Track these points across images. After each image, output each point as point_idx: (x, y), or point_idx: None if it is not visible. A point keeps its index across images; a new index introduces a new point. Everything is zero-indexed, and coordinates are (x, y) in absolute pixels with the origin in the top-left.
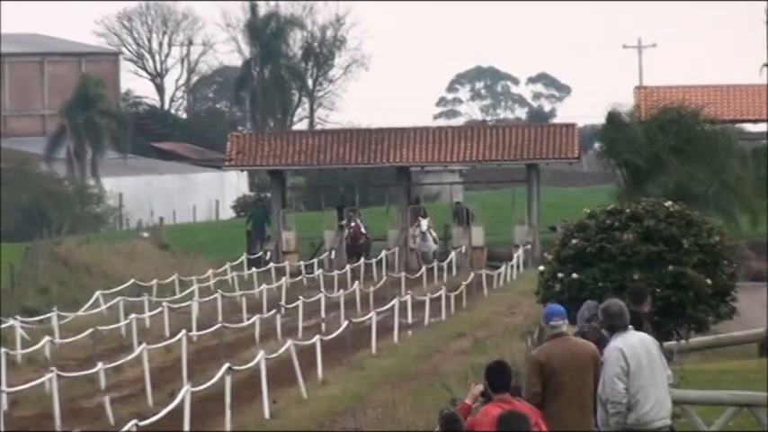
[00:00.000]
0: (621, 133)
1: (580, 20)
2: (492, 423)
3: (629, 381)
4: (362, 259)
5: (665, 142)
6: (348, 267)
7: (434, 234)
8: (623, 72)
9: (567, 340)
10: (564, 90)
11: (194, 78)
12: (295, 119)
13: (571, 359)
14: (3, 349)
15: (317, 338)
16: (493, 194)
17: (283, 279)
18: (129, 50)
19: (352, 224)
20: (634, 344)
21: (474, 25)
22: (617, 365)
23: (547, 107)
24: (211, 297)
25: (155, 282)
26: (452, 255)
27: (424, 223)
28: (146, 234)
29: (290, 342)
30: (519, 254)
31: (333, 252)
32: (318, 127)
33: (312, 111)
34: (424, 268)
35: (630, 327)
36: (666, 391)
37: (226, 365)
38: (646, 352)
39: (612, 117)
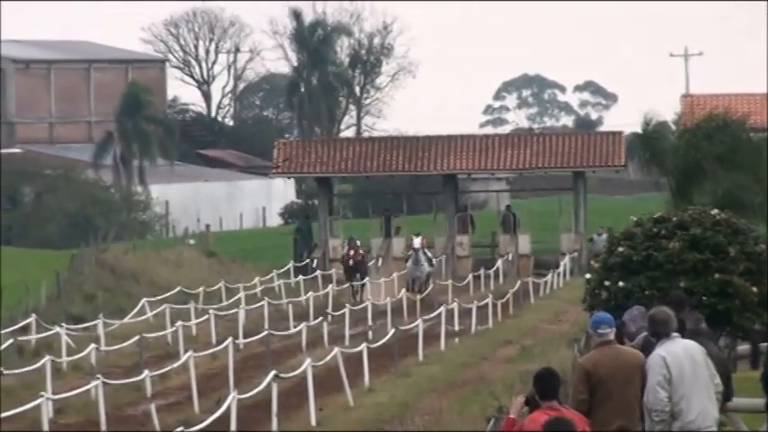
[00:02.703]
0: (659, 142)
1: (627, 28)
2: (539, 429)
3: (671, 389)
4: (361, 278)
5: (709, 150)
6: (396, 275)
7: (429, 254)
8: (670, 80)
9: (615, 348)
10: (611, 98)
11: (241, 85)
12: (342, 126)
13: (618, 367)
14: (48, 356)
15: (363, 346)
16: (539, 202)
17: (330, 286)
18: (176, 57)
19: (352, 250)
20: (677, 352)
21: (521, 33)
22: (659, 374)
23: (593, 115)
24: (258, 304)
25: (201, 289)
26: (499, 262)
27: (417, 241)
28: (192, 241)
29: (336, 349)
30: (566, 261)
31: (380, 260)
32: (365, 134)
33: (359, 118)
34: (470, 276)
35: (676, 334)
36: (712, 400)
37: (272, 373)
38: (690, 360)
39: (647, 126)
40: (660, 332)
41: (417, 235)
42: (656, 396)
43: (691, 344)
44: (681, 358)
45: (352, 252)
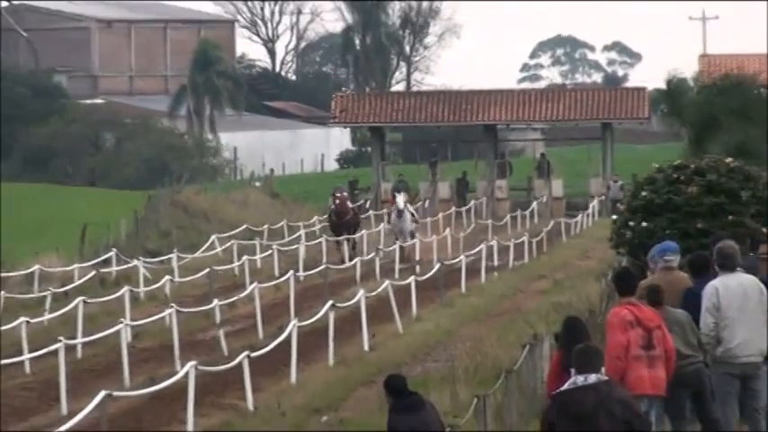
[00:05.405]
0: (679, 97)
1: None
2: (621, 322)
3: (718, 315)
4: (352, 236)
5: (724, 105)
6: (441, 215)
7: (412, 209)
8: (689, 41)
9: (673, 274)
10: (636, 57)
11: (303, 44)
12: (393, 81)
13: (674, 292)
14: (127, 287)
15: (412, 279)
16: (571, 150)
17: (381, 225)
18: (244, 18)
19: (337, 200)
20: (730, 284)
21: None
22: (709, 301)
23: (620, 72)
24: (317, 241)
25: (265, 227)
26: (534, 204)
27: (400, 199)
28: (258, 184)
29: (387, 282)
30: (594, 204)
31: (427, 201)
32: (414, 88)
33: (409, 74)
34: (508, 216)
35: (740, 269)
36: (761, 333)
37: (329, 303)
38: (742, 293)
39: (670, 83)
40: (725, 264)
41: (399, 191)
42: (704, 321)
43: (748, 279)
44: (733, 290)
45: (337, 203)
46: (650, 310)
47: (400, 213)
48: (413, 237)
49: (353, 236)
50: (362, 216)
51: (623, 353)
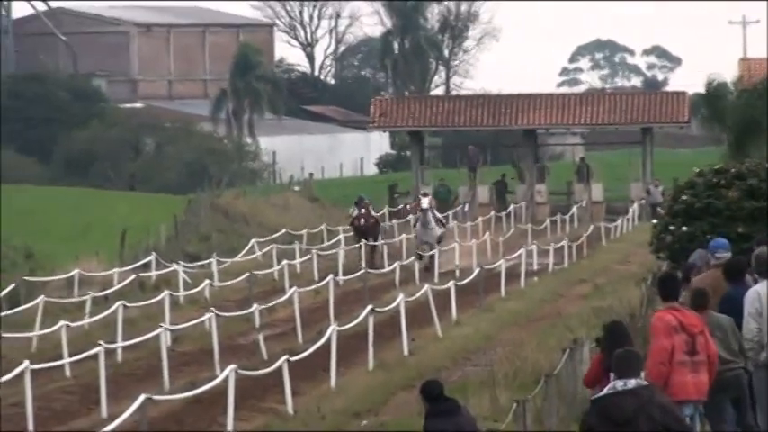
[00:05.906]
0: (719, 101)
1: None
2: (666, 326)
3: (761, 321)
4: (371, 241)
5: (764, 109)
6: (481, 219)
7: (439, 215)
8: (729, 46)
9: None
10: (675, 61)
11: (341, 48)
12: (432, 85)
13: (719, 288)
14: (167, 291)
15: (451, 283)
16: (611, 155)
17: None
18: (283, 22)
19: (362, 210)
20: None
21: (595, 1)
22: (752, 306)
23: (660, 76)
24: (356, 245)
25: (305, 231)
26: (574, 209)
27: (425, 201)
28: (297, 188)
29: (426, 286)
30: (634, 208)
31: (466, 205)
32: (453, 92)
33: (448, 78)
34: (548, 220)
35: None
36: None
37: (369, 307)
38: None
39: (710, 87)
40: (764, 270)
41: (425, 195)
42: (747, 326)
43: None
44: None
45: (363, 213)
46: (694, 314)
47: (425, 218)
48: (439, 242)
49: (375, 242)
50: (402, 220)
51: (667, 358)
